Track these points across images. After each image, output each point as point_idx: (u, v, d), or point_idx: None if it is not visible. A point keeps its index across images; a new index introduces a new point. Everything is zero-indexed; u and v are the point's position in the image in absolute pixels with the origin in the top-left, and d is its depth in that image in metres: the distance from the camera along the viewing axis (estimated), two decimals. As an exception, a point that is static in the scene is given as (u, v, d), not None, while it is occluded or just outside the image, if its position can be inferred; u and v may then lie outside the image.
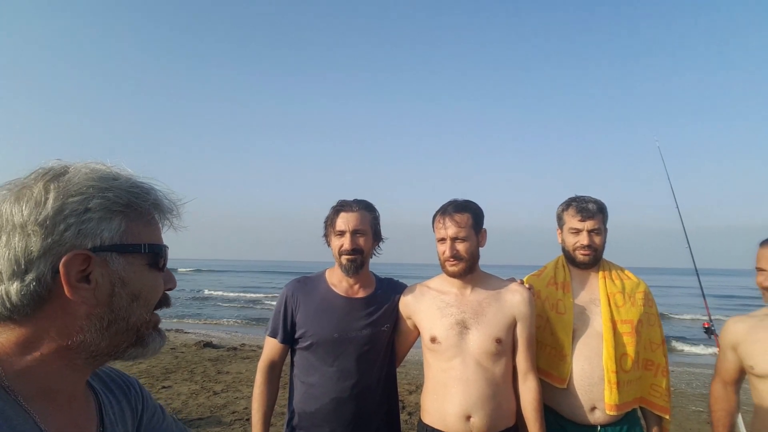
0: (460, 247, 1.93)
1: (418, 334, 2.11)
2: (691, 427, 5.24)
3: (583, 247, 2.08)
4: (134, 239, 0.69)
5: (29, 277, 0.62)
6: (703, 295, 3.48)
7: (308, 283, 2.12)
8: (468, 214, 1.94)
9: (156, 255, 0.72)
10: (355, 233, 2.00)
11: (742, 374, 2.00)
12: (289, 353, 2.12)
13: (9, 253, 0.62)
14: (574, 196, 2.18)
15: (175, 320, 15.26)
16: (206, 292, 26.31)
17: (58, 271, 0.62)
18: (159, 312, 0.76)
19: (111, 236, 0.66)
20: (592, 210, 2.07)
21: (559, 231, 2.21)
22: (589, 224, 2.07)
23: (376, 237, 2.10)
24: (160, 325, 0.77)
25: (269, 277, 47.31)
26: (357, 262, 2.00)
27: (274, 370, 2.08)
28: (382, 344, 2.06)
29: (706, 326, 3.21)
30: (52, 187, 0.64)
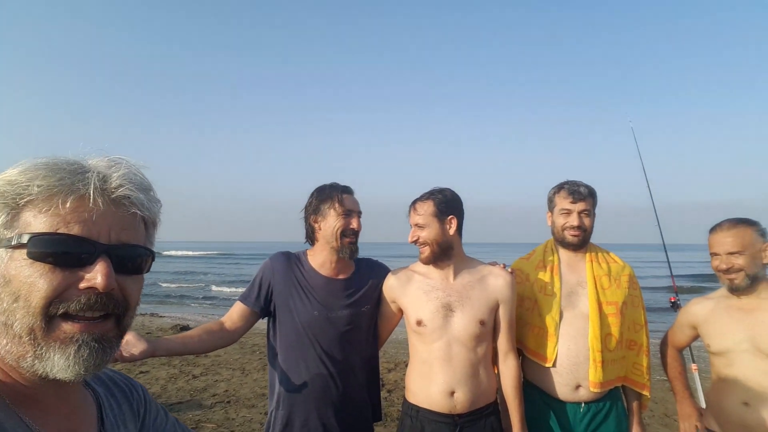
0: (421, 233, 2.01)
1: (400, 317, 2.14)
2: (657, 396, 5.52)
3: (573, 227, 2.13)
4: (19, 230, 0.60)
5: None
6: (671, 272, 3.63)
7: (291, 258, 2.12)
8: (430, 201, 2.02)
9: (42, 245, 0.59)
10: (359, 215, 2.08)
11: (689, 344, 2.29)
12: (268, 333, 2.11)
13: None
14: (565, 180, 2.23)
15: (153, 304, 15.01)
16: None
17: None
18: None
19: None
20: (584, 193, 2.14)
21: (549, 214, 2.26)
22: (579, 206, 2.13)
23: None
24: (82, 338, 0.61)
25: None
26: (356, 244, 2.07)
27: (223, 327, 2.01)
28: (364, 325, 2.09)
29: (672, 300, 3.35)
30: None
